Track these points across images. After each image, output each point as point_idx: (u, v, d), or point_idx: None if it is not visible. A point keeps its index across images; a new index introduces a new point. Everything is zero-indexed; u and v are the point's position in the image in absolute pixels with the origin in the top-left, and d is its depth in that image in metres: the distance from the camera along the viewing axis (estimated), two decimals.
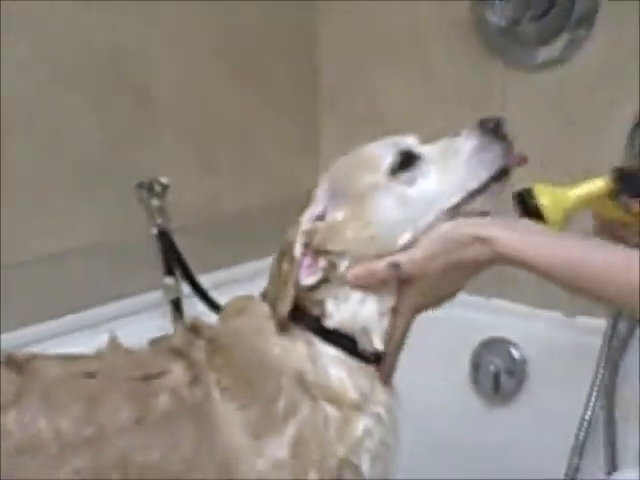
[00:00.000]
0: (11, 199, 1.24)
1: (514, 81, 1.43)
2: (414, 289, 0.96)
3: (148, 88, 1.40)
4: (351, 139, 0.96)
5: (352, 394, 1.00)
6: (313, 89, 1.72)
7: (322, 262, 0.98)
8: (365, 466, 1.02)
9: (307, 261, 0.98)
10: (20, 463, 0.99)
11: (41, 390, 1.02)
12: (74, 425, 1.00)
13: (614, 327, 1.33)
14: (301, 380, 1.01)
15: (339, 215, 0.97)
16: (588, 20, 1.33)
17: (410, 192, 0.92)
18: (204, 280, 1.43)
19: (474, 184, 0.91)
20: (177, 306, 1.41)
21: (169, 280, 1.40)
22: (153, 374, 1.05)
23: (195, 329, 1.10)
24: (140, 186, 1.38)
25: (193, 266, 1.42)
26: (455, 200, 0.90)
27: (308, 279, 0.99)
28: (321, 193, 1.00)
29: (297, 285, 0.98)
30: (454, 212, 0.91)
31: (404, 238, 0.91)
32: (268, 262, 1.03)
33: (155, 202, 1.39)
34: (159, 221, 1.39)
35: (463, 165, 0.92)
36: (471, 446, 1.57)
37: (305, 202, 0.97)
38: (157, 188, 1.39)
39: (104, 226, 1.37)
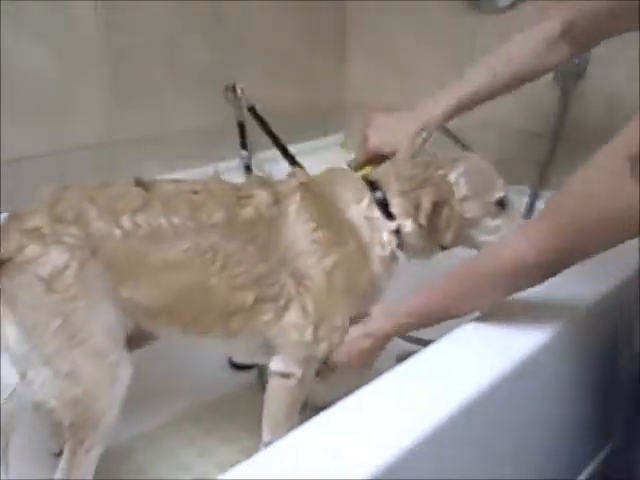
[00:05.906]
0: None
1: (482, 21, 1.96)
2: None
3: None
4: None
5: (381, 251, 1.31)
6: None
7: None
8: None
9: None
10: (145, 247, 1.20)
11: (161, 200, 1.22)
12: (183, 221, 1.21)
13: None
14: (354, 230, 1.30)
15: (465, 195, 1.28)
16: None
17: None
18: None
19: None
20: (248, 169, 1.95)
21: (244, 152, 1.95)
22: (243, 195, 1.27)
23: (292, 174, 1.41)
24: (227, 88, 1.92)
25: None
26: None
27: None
28: (458, 176, 1.29)
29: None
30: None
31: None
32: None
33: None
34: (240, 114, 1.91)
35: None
36: None
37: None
38: (238, 90, 1.92)
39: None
